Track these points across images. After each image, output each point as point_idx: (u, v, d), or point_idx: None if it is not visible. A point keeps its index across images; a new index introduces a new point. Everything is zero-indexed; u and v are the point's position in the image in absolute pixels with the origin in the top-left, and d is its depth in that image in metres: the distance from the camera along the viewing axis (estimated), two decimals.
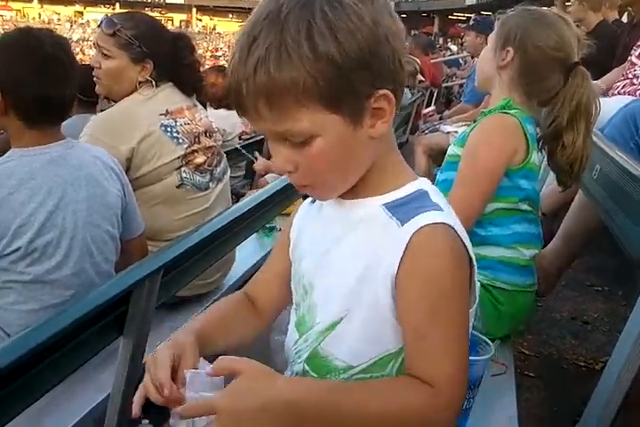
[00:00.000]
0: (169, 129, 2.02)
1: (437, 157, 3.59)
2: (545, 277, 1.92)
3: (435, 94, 7.84)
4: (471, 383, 1.15)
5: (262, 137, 4.60)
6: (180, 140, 2.04)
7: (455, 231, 0.76)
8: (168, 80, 2.09)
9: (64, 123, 1.66)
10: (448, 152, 1.70)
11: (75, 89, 1.62)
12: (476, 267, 0.81)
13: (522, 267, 1.60)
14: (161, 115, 2.02)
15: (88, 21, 66.48)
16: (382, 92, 0.74)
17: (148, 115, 2.00)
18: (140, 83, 2.03)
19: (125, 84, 2.04)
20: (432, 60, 7.49)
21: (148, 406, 1.94)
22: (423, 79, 6.77)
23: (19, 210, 1.49)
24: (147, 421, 1.97)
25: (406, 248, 0.74)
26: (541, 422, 1.73)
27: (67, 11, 65.98)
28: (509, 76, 1.62)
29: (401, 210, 0.78)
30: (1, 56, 1.56)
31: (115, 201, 1.70)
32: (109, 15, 2.06)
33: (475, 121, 1.68)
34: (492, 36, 1.68)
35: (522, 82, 1.61)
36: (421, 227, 0.74)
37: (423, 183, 0.82)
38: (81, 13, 67.26)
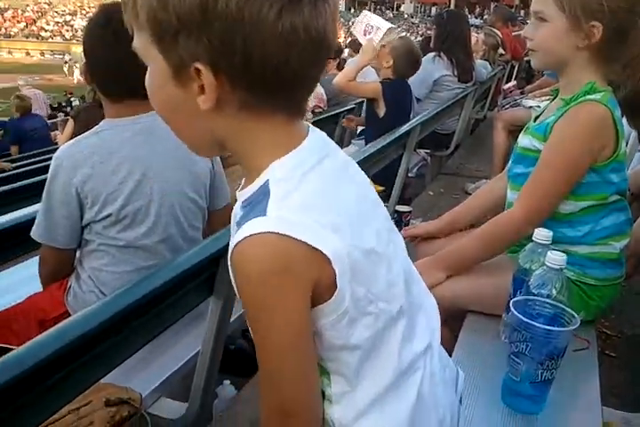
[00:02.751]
0: None
1: (518, 133, 3.50)
2: (632, 256, 1.86)
3: (516, 68, 7.58)
4: (555, 354, 1.15)
5: (337, 111, 4.61)
6: None
7: (276, 233, 0.66)
8: None
9: None
10: (524, 144, 1.61)
11: None
12: (328, 251, 0.69)
13: (611, 261, 1.55)
14: None
15: None
16: (197, 65, 0.66)
17: None
18: None
19: None
20: (513, 33, 7.22)
21: (231, 367, 2.03)
22: (504, 52, 6.56)
23: (109, 178, 1.55)
24: (228, 382, 2.08)
25: (232, 268, 0.71)
26: (622, 402, 1.69)
27: None
28: (596, 52, 1.45)
29: (244, 212, 0.72)
30: (84, 32, 1.63)
31: (203, 171, 1.73)
32: None
33: (560, 108, 1.52)
34: (552, 12, 1.45)
35: (613, 54, 1.46)
36: (238, 242, 0.68)
37: (270, 171, 0.71)
38: None
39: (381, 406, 0.79)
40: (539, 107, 2.06)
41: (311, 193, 0.71)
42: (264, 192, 0.70)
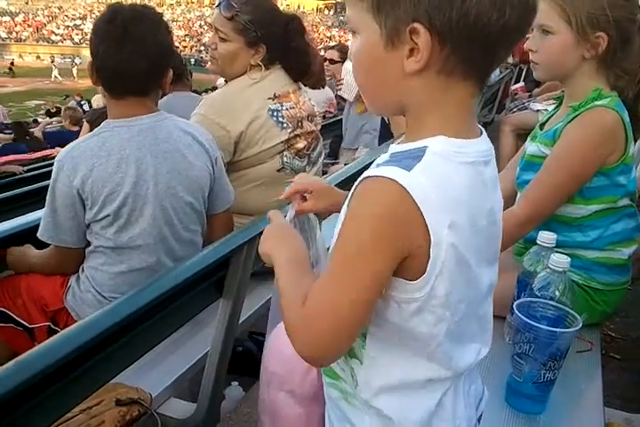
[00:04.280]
0: (275, 113, 2.05)
1: (526, 136, 3.49)
2: (638, 259, 1.87)
3: (524, 71, 7.57)
4: (557, 355, 1.17)
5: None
6: (285, 125, 2.07)
7: (405, 190, 0.69)
8: (277, 63, 2.11)
9: (162, 100, 1.71)
10: (532, 151, 1.62)
11: (158, 63, 1.63)
12: (433, 234, 0.71)
13: (618, 266, 1.57)
14: (269, 99, 2.05)
15: (178, 1, 68.25)
16: (415, 25, 0.70)
17: (257, 98, 2.04)
18: (251, 66, 2.07)
19: (238, 66, 2.08)
20: None
21: (238, 368, 2.05)
22: (512, 55, 6.56)
23: (107, 179, 1.57)
24: (236, 383, 2.10)
25: (350, 195, 0.75)
26: (626, 403, 1.71)
27: None
28: (601, 60, 1.49)
29: (389, 159, 0.76)
30: (92, 29, 1.65)
31: (201, 176, 1.73)
32: None
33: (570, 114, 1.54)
34: (558, 25, 1.47)
35: (616, 61, 1.49)
36: (366, 177, 0.72)
37: (434, 140, 0.74)
38: None
39: (405, 396, 0.81)
40: (546, 110, 2.08)
41: (453, 181, 0.73)
42: (418, 155, 0.73)
